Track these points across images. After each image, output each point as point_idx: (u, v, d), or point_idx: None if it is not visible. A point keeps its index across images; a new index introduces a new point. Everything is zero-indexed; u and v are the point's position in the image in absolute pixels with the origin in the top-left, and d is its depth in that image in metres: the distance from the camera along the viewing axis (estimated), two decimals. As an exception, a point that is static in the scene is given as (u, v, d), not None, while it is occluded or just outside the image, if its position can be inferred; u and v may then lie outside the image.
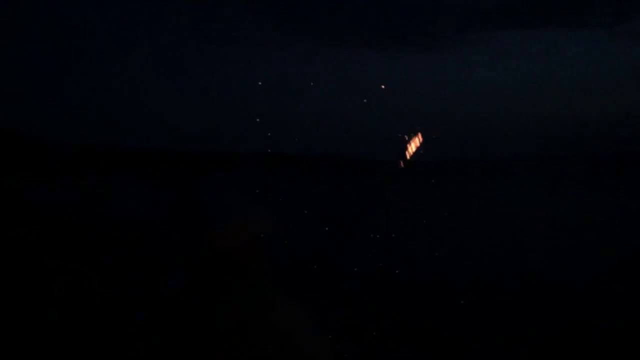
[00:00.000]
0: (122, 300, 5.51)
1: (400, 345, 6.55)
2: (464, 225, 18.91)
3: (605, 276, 10.35)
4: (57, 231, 10.84)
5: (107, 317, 4.61)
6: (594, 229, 17.30)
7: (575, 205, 26.17)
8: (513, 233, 16.83)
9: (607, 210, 22.42)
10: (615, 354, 6.51)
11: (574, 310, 8.13)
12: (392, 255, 11.52)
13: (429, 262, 11.32)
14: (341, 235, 15.50)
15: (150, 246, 13.66)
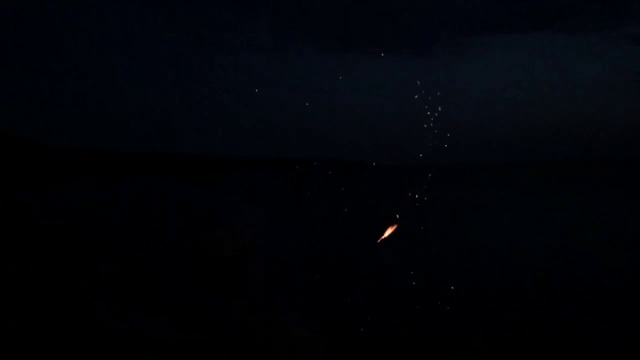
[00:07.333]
0: (122, 302, 5.51)
1: (400, 346, 6.56)
2: (464, 226, 18.93)
3: (608, 278, 10.37)
4: (57, 232, 10.85)
5: (106, 320, 4.62)
6: (594, 230, 17.34)
7: (577, 207, 26.24)
8: (513, 234, 16.86)
9: (611, 213, 22.53)
10: (615, 355, 6.52)
11: (575, 312, 8.14)
12: (391, 256, 11.52)
13: (428, 263, 11.33)
14: (341, 238, 15.51)
15: (150, 248, 13.68)
